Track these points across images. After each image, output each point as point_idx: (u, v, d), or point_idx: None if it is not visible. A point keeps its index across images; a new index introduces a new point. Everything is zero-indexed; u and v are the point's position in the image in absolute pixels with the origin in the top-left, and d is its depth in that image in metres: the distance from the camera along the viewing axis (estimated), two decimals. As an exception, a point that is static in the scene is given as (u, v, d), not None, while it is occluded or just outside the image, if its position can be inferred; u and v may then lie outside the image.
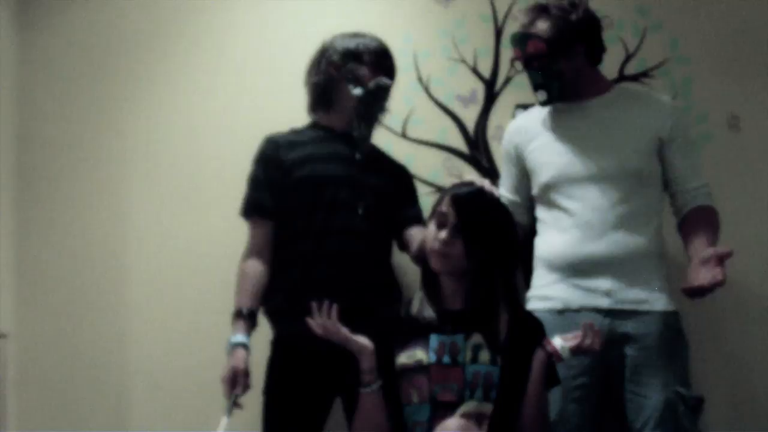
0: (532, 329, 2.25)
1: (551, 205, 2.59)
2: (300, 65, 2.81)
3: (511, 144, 2.72)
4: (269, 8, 3.24)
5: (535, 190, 2.65)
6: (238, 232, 2.73)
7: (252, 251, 2.66)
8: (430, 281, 2.29)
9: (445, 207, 2.26)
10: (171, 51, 3.27)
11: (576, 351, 2.20)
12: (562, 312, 2.49)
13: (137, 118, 3.24)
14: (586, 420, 2.47)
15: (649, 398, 2.43)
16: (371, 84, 2.68)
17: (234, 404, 2.51)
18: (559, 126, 2.63)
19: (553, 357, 2.19)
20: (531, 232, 2.69)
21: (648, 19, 3.09)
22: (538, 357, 2.19)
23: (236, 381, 2.51)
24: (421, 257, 2.41)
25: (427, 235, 2.29)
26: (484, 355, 2.18)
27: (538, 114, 2.70)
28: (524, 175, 2.69)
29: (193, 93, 3.23)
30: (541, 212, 2.64)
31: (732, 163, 3.01)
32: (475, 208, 2.26)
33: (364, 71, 2.69)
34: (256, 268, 2.63)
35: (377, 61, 2.71)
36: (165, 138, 3.23)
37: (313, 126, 2.77)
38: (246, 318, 2.57)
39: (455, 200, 2.25)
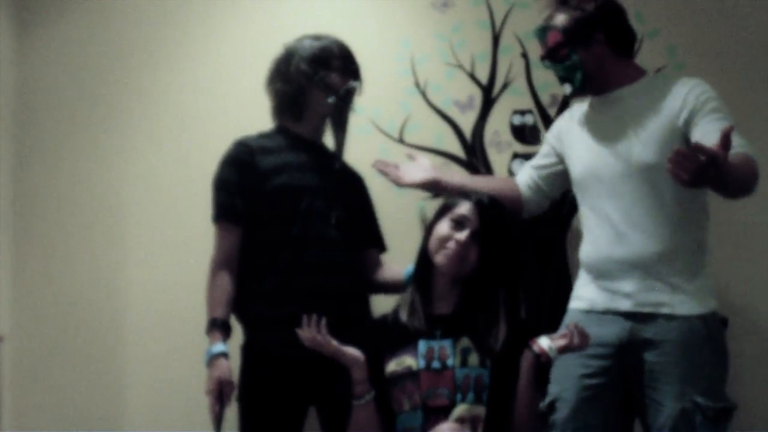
0: (520, 331, 2.24)
1: (582, 203, 2.56)
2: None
3: (556, 128, 2.69)
4: (266, 13, 3.23)
5: (573, 186, 2.62)
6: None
7: (222, 259, 2.61)
8: (424, 285, 2.30)
9: (466, 211, 2.27)
10: (171, 50, 3.26)
11: (564, 351, 2.18)
12: (588, 312, 2.46)
13: (137, 119, 3.24)
14: (600, 420, 2.42)
15: (665, 406, 2.35)
16: (342, 90, 2.65)
17: (221, 418, 2.50)
18: (588, 120, 2.58)
19: (541, 358, 2.17)
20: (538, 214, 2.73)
21: (645, 26, 3.07)
22: (526, 358, 2.18)
23: (222, 392, 2.49)
24: (393, 286, 2.59)
25: (437, 233, 2.28)
26: (473, 358, 2.18)
27: (584, 107, 2.64)
28: (556, 163, 2.65)
29: (191, 92, 3.23)
30: (580, 211, 2.60)
31: (729, 170, 3.00)
32: (496, 217, 2.29)
33: (334, 78, 2.65)
34: (226, 277, 2.58)
35: (345, 65, 2.67)
36: (164, 139, 3.23)
37: (282, 131, 2.72)
38: (221, 327, 2.54)
39: (479, 207, 2.27)
